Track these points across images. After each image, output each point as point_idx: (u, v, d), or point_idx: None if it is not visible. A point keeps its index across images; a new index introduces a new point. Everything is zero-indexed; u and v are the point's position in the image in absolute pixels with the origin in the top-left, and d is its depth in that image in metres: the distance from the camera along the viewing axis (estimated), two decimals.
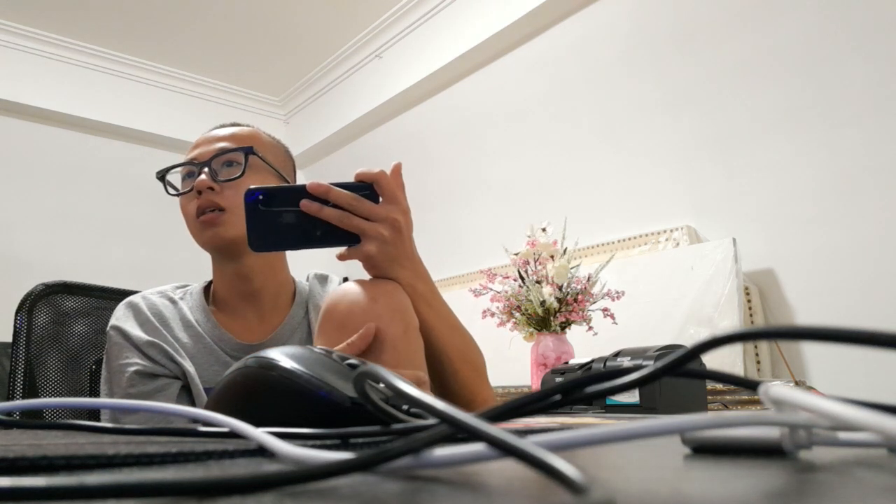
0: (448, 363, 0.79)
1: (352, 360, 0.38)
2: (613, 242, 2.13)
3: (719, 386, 1.43)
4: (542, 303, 1.19)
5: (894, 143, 1.59)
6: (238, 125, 0.98)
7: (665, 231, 2.01)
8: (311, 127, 3.62)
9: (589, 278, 1.21)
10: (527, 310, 1.21)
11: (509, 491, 0.17)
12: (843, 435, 0.24)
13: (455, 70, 2.79)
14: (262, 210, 0.67)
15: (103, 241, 3.17)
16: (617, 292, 1.23)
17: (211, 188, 0.87)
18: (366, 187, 0.71)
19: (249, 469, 0.22)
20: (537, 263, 1.23)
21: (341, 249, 0.73)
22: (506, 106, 2.62)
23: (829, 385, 1.55)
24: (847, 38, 1.68)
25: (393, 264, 0.74)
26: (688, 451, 0.25)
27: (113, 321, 0.88)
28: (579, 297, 1.19)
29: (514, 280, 1.24)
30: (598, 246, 2.16)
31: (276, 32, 3.09)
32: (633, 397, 0.72)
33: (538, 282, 1.21)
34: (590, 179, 2.25)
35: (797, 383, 1.46)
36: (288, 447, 0.22)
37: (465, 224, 2.76)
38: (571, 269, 1.23)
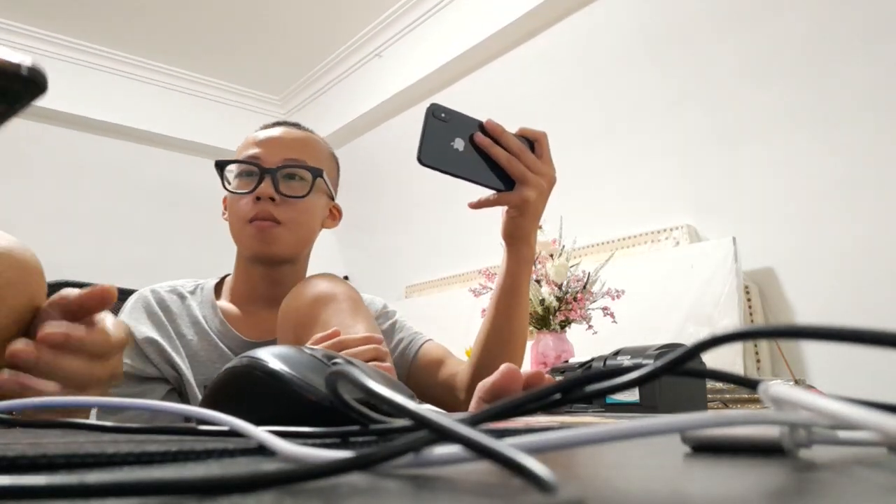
0: (523, 335, 0.86)
1: (337, 360, 0.39)
2: (613, 241, 2.13)
3: (719, 385, 1.42)
4: (542, 301, 1.19)
5: (894, 143, 1.59)
6: (300, 128, 0.98)
7: (665, 230, 2.01)
8: (310, 125, 3.59)
9: (588, 277, 1.22)
10: None
11: (509, 490, 0.17)
12: (842, 434, 0.24)
13: (455, 68, 2.78)
14: (439, 126, 0.70)
15: (103, 240, 3.17)
16: (617, 291, 1.23)
17: (272, 198, 0.87)
18: (526, 143, 0.76)
19: (250, 468, 0.22)
20: (536, 262, 1.23)
21: (476, 199, 0.78)
22: (506, 104, 2.62)
23: (828, 384, 1.55)
24: (848, 37, 1.68)
25: (536, 218, 0.80)
26: (688, 450, 0.25)
27: (121, 315, 0.88)
28: (579, 295, 1.19)
29: None
30: (598, 245, 2.16)
31: (276, 31, 3.09)
32: (632, 396, 0.72)
33: (537, 281, 1.21)
34: (590, 178, 2.25)
35: (797, 382, 1.46)
36: (288, 446, 0.22)
37: (464, 223, 2.75)
38: (571, 267, 1.23)
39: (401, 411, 0.21)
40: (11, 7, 2.86)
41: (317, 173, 0.91)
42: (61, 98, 3.08)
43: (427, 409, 0.19)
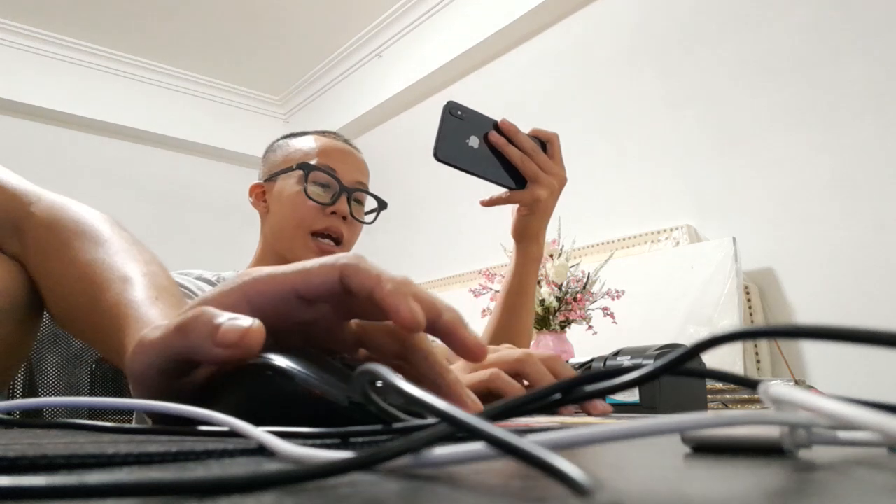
0: (528, 332, 0.88)
1: (345, 356, 0.39)
2: (613, 241, 2.13)
3: (719, 385, 1.42)
4: (542, 302, 1.19)
5: (894, 143, 1.59)
6: (357, 149, 1.01)
7: (665, 230, 2.01)
8: (311, 125, 3.60)
9: (588, 277, 1.21)
10: None
11: (508, 491, 0.17)
12: (843, 434, 0.23)
13: (455, 68, 2.79)
14: (455, 123, 0.71)
15: None
16: (617, 291, 1.23)
17: (344, 217, 0.91)
18: (538, 144, 0.78)
19: (250, 468, 0.22)
20: None
21: (488, 197, 0.80)
22: (506, 104, 2.62)
23: (828, 384, 1.55)
24: (847, 37, 1.68)
25: (546, 217, 0.82)
26: (688, 451, 0.25)
27: None
28: (578, 296, 1.19)
29: None
30: (598, 245, 2.16)
31: (277, 31, 3.09)
32: (632, 396, 0.72)
33: (537, 281, 1.21)
34: (590, 178, 2.25)
35: (797, 382, 1.46)
36: (288, 446, 0.22)
37: (464, 223, 2.75)
38: (571, 268, 1.23)
39: (431, 410, 0.20)
40: (11, 7, 2.86)
41: (384, 206, 0.96)
42: (61, 98, 3.08)
43: (455, 409, 0.19)
